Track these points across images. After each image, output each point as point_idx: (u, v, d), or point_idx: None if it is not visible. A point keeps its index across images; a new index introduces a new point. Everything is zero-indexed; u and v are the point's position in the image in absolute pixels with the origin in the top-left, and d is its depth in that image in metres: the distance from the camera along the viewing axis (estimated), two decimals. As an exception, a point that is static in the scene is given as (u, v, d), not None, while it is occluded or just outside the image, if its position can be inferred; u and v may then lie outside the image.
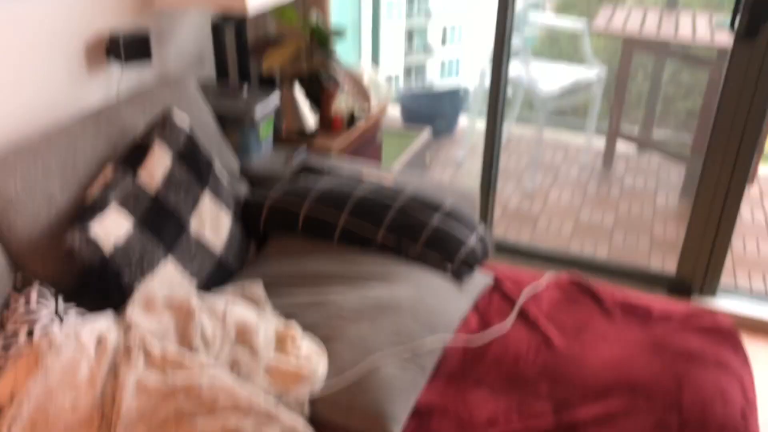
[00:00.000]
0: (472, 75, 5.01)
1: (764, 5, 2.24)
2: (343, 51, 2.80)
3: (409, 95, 4.48)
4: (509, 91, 3.49)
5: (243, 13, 2.23)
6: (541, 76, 3.66)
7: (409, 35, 16.48)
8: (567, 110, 4.19)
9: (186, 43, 2.26)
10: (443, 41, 16.84)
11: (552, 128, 4.36)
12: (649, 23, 3.55)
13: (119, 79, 1.99)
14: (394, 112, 4.46)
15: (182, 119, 1.78)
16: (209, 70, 2.41)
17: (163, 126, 1.74)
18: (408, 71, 16.68)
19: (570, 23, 3.91)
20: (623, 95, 3.71)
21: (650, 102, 3.86)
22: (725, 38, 3.24)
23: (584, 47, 3.70)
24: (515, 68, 3.61)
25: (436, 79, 17.12)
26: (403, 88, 12.66)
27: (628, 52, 3.59)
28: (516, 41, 3.56)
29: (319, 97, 2.43)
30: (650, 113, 3.88)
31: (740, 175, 2.44)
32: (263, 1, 2.00)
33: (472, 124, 4.12)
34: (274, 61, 2.35)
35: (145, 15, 2.04)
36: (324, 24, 2.56)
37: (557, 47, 6.78)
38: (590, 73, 3.72)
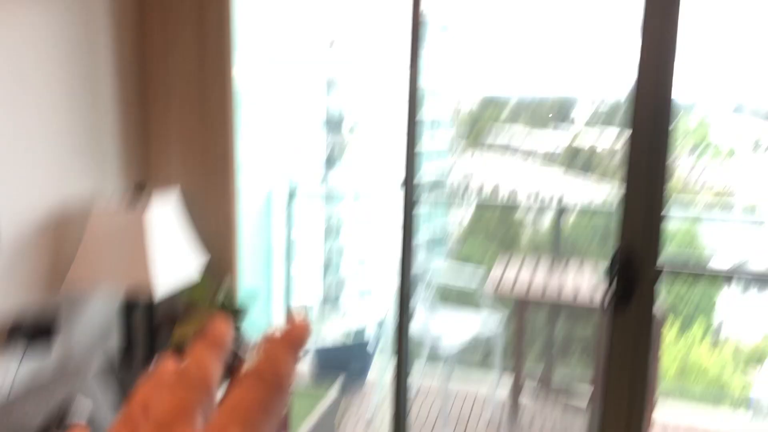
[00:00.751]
0: (380, 322, 5.18)
1: (635, 272, 2.54)
2: (254, 312, 2.88)
3: (318, 349, 4.54)
4: (418, 336, 3.62)
5: (150, 297, 2.31)
6: (445, 328, 3.85)
7: (326, 264, 16.96)
8: (471, 360, 4.34)
9: (93, 320, 2.29)
10: (356, 273, 17.38)
11: (459, 376, 4.47)
12: (539, 279, 3.89)
13: (18, 364, 1.97)
14: (303, 365, 4.47)
15: (83, 408, 1.75)
16: (117, 345, 2.41)
17: (60, 420, 1.70)
18: (325, 299, 16.89)
19: (464, 281, 4.23)
20: (521, 348, 3.92)
21: (547, 354, 4.08)
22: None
23: (482, 303, 3.97)
24: (420, 317, 3.79)
25: (352, 306, 17.33)
26: (313, 341, 12.67)
27: (521, 308, 3.87)
28: (420, 289, 3.79)
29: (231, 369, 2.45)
30: (548, 366, 4.09)
31: (637, 424, 2.56)
32: (171, 284, 2.10)
33: (380, 375, 4.17)
34: (184, 335, 2.39)
35: (54, 293, 2.08)
36: (232, 299, 2.66)
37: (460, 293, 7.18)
38: (491, 320, 3.94)
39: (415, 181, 2.77)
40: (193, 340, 0.39)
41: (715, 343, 12.85)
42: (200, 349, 0.38)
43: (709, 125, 21.16)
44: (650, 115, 2.48)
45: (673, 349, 11.77)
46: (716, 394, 8.10)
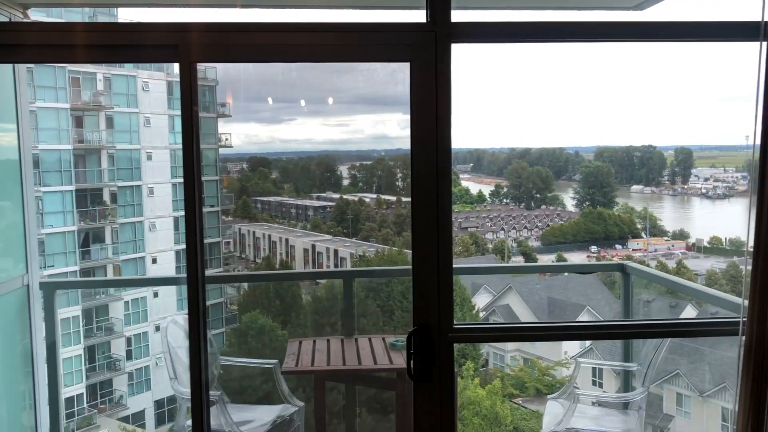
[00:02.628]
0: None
1: (431, 353, 2.54)
2: None
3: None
4: None
5: None
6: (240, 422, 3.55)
7: (91, 351, 15.53)
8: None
9: None
10: (128, 356, 16.14)
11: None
12: (334, 354, 3.78)
13: None
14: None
15: None
16: None
17: None
18: (93, 386, 15.47)
19: (260, 363, 3.99)
20: (323, 425, 3.76)
21: (349, 424, 3.96)
22: (401, 360, 3.58)
23: (281, 387, 3.74)
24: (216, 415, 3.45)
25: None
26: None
27: (320, 384, 3.72)
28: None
29: None
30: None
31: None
32: None
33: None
34: None
35: None
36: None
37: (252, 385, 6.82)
38: (287, 411, 3.73)
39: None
40: None
41: (484, 378, 13.94)
42: None
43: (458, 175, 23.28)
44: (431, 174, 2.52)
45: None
46: (491, 419, 8.70)
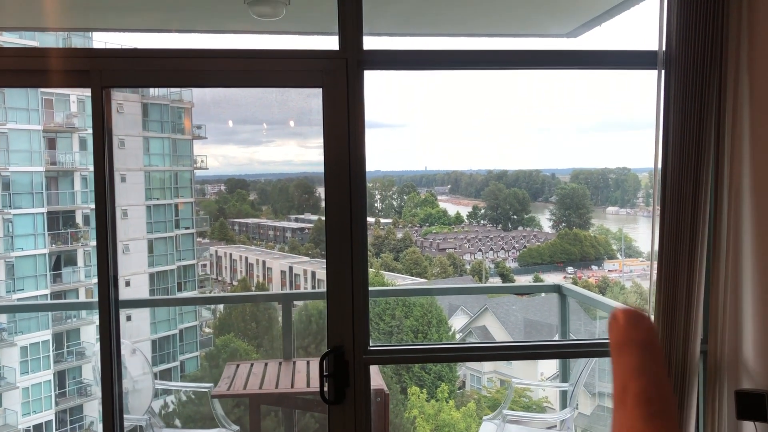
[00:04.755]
0: None
1: (345, 376, 2.55)
2: None
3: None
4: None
5: None
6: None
7: (61, 376, 15.31)
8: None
9: None
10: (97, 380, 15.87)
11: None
12: (268, 378, 3.78)
13: None
14: None
15: None
16: None
17: None
18: (62, 412, 15.21)
19: (195, 387, 3.97)
20: (259, 449, 3.74)
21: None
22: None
23: (215, 410, 3.73)
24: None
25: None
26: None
27: (255, 408, 3.71)
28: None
29: None
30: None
31: None
32: None
33: None
34: None
35: None
36: None
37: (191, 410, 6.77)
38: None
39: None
40: None
41: (460, 400, 13.92)
42: None
43: (436, 196, 23.40)
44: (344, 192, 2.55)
45: (427, 413, 12.48)
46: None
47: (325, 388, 2.54)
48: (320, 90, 2.52)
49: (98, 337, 2.40)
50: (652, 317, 2.47)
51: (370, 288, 2.64)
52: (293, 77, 2.57)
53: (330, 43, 2.70)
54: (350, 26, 2.48)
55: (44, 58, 2.40)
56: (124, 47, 2.43)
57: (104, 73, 2.41)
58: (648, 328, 0.51)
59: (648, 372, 0.47)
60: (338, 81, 2.49)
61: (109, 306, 2.48)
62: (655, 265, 2.51)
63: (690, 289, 2.43)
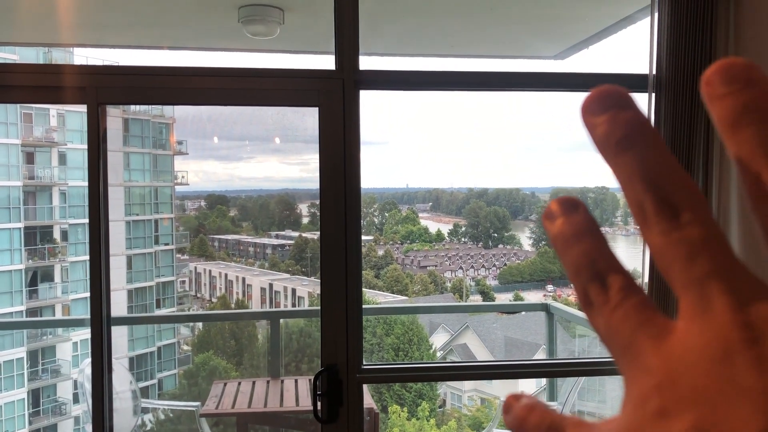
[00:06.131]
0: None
1: (338, 395, 2.55)
2: None
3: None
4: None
5: None
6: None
7: (35, 395, 15.02)
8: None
9: None
10: (75, 399, 15.63)
11: None
12: (257, 396, 3.74)
13: None
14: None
15: None
16: None
17: None
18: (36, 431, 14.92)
19: (182, 406, 3.93)
20: (246, 468, 3.70)
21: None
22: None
23: (202, 430, 3.69)
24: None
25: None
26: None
27: (243, 427, 3.67)
28: None
29: None
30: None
31: None
32: None
33: None
34: None
35: None
36: None
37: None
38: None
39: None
40: None
41: (441, 419, 13.87)
42: None
43: (417, 214, 23.45)
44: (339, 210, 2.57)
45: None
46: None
47: (319, 407, 2.53)
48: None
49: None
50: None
51: (364, 306, 2.65)
52: (290, 96, 2.59)
53: (323, 61, 2.73)
54: (347, 47, 2.51)
55: (40, 75, 2.39)
56: (119, 64, 2.43)
57: (100, 90, 2.41)
58: None
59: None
60: (334, 100, 2.51)
61: (101, 322, 2.46)
62: (646, 281, 2.55)
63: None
